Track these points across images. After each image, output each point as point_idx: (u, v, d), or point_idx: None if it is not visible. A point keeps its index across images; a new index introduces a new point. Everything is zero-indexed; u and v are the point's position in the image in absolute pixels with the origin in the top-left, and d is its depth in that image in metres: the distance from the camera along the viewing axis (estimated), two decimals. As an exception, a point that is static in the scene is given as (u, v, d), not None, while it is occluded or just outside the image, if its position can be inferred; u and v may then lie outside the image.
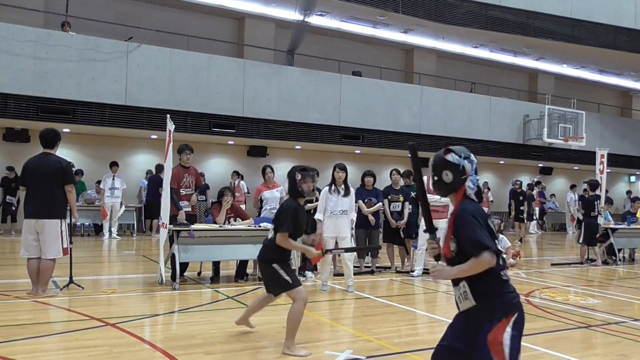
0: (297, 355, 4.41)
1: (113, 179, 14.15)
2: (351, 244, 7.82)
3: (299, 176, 4.73)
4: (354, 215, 7.78)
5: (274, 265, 4.60)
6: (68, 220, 6.75)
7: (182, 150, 8.06)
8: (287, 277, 4.59)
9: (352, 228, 7.79)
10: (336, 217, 7.46)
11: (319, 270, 8.96)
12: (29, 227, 6.53)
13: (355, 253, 9.16)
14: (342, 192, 7.55)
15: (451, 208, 3.00)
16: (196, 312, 6.03)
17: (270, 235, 4.75)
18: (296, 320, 4.51)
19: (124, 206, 14.40)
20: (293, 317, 4.51)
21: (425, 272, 9.07)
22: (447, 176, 2.96)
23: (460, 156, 2.99)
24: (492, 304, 2.70)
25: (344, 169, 7.63)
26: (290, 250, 4.73)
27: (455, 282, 2.83)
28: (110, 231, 14.19)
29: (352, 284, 7.52)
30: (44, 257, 6.55)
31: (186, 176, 8.02)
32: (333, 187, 7.58)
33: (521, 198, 16.37)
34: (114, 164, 14.35)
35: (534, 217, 19.11)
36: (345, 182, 7.62)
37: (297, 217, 4.62)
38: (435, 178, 2.99)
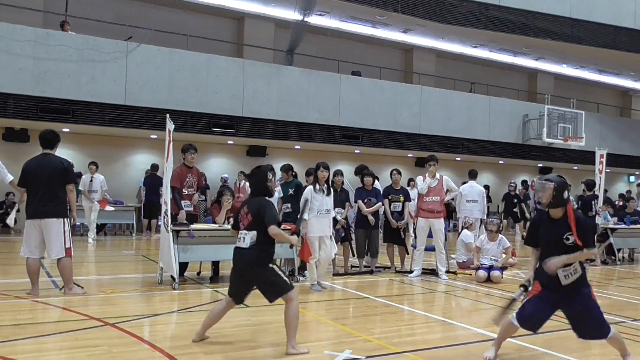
0: (301, 353, 4.44)
1: (91, 180, 13.24)
2: (333, 242, 7.83)
3: (270, 176, 4.90)
4: (333, 214, 7.83)
5: (272, 266, 4.59)
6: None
7: (187, 150, 8.02)
8: (285, 278, 4.57)
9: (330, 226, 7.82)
10: (322, 216, 7.48)
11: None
12: (31, 227, 6.54)
13: (352, 252, 9.19)
14: (326, 192, 7.59)
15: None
16: (196, 312, 6.03)
17: (246, 241, 4.58)
18: (297, 319, 4.50)
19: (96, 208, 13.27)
20: (294, 316, 4.47)
21: (424, 272, 9.09)
22: (566, 194, 4.31)
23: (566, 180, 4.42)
24: (585, 275, 4.35)
25: (327, 168, 7.69)
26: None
27: (568, 265, 4.24)
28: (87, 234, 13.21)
29: (321, 282, 7.63)
30: (47, 257, 6.59)
31: (189, 176, 7.99)
32: (317, 186, 7.58)
33: (515, 200, 16.33)
34: (92, 164, 13.49)
35: (530, 218, 19.07)
36: (327, 181, 7.67)
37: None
38: (555, 195, 4.27)
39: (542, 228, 4.40)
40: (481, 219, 11.07)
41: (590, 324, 4.26)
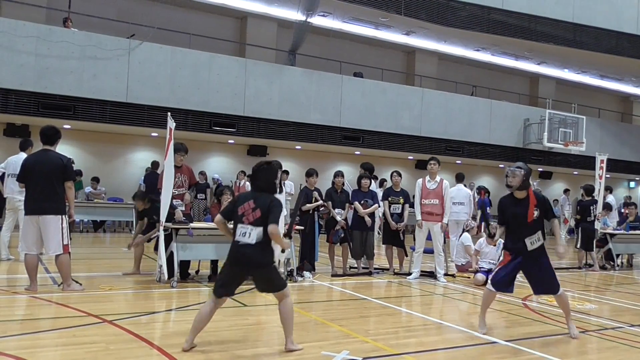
0: (298, 349, 4.53)
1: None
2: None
3: (279, 174, 4.99)
4: None
5: (274, 265, 4.63)
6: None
7: (178, 150, 7.90)
8: (280, 275, 4.67)
9: None
10: None
11: (316, 271, 9.00)
12: (29, 223, 6.53)
13: (349, 254, 9.20)
14: None
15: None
16: (194, 310, 6.01)
17: (252, 237, 4.42)
18: (292, 315, 4.60)
19: None
20: (290, 312, 4.56)
21: (423, 274, 9.09)
22: (529, 179, 5.30)
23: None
24: (544, 244, 5.36)
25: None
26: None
27: (534, 232, 5.29)
28: None
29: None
30: (45, 254, 6.59)
31: (178, 176, 7.93)
32: None
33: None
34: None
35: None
36: None
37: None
38: (524, 180, 5.23)
39: (509, 209, 5.39)
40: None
41: (544, 282, 5.41)
